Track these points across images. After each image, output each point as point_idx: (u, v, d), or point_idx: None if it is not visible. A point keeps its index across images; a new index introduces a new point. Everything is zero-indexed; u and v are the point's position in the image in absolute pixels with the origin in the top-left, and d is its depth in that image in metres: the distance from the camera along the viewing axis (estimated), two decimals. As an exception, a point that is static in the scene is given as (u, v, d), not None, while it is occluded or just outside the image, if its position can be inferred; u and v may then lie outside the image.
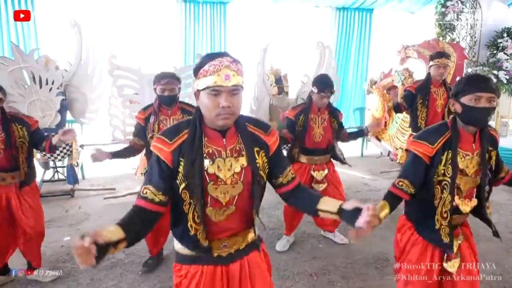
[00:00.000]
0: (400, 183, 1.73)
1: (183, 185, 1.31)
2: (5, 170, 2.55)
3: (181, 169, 1.30)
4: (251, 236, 1.50)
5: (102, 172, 5.51)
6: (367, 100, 7.01)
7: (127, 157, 2.88)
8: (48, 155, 4.41)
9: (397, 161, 5.98)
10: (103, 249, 1.08)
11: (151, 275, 2.93)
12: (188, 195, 1.32)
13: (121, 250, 1.19)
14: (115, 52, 4.27)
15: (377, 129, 3.38)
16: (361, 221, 1.19)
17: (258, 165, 1.39)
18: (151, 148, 1.36)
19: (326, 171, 3.18)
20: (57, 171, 4.99)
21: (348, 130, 3.29)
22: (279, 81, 5.50)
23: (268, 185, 1.50)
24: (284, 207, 3.40)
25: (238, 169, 1.35)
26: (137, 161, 4.66)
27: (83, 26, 4.27)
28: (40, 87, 4.16)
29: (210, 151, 1.33)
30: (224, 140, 1.35)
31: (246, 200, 1.40)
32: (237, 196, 1.37)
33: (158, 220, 1.34)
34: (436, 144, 1.67)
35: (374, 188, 5.15)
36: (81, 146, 5.12)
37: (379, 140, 6.34)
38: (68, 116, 4.67)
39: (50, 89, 4.23)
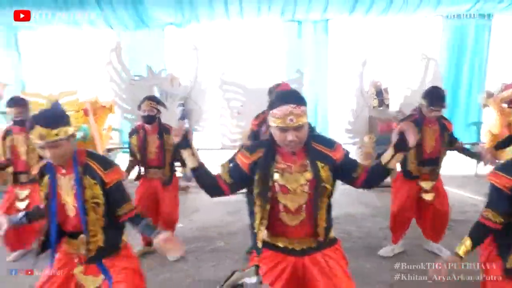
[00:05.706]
0: (485, 213, 1.76)
1: (256, 191, 1.67)
2: (158, 167, 3.40)
3: (256, 178, 1.66)
4: (320, 238, 1.70)
5: (212, 173, 6.22)
6: (484, 114, 6.38)
7: None
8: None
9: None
10: None
11: (245, 261, 3.31)
12: (260, 200, 1.66)
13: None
14: (224, 69, 4.90)
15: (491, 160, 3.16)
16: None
17: (321, 177, 1.63)
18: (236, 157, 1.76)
19: (434, 181, 3.21)
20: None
21: (465, 146, 3.22)
22: (380, 94, 5.49)
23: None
24: (390, 214, 3.41)
25: (303, 182, 1.64)
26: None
27: (200, 49, 5.00)
28: (166, 99, 5.00)
29: (282, 166, 1.66)
30: (294, 157, 1.66)
31: (313, 208, 1.66)
32: (304, 205, 1.65)
33: (220, 193, 1.75)
34: None
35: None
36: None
37: (496, 159, 5.71)
38: (186, 124, 5.45)
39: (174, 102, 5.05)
